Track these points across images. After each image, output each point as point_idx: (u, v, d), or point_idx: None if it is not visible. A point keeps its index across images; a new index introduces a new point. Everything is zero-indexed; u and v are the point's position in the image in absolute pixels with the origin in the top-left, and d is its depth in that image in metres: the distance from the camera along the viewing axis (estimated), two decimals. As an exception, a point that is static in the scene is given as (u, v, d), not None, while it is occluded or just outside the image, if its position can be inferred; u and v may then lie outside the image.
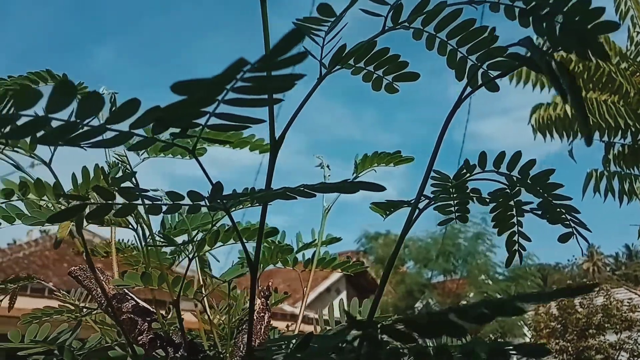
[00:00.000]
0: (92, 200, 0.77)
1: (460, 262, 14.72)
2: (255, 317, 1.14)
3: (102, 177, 0.81)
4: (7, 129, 0.58)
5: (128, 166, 0.88)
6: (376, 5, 0.80)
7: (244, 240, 0.79)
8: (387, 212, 0.98)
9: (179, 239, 1.09)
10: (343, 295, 15.51)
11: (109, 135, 0.64)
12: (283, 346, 0.94)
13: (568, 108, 5.69)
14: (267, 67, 0.53)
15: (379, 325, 0.59)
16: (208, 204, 0.76)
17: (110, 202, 0.72)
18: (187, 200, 0.75)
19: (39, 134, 0.59)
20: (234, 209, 0.82)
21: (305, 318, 1.38)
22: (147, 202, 0.75)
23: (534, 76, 5.94)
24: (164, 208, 0.76)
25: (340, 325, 1.14)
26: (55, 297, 1.25)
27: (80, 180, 0.82)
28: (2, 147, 0.73)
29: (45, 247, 13.74)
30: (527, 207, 0.97)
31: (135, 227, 0.95)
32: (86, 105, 0.56)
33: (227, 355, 1.03)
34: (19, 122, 0.56)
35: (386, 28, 0.80)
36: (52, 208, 0.85)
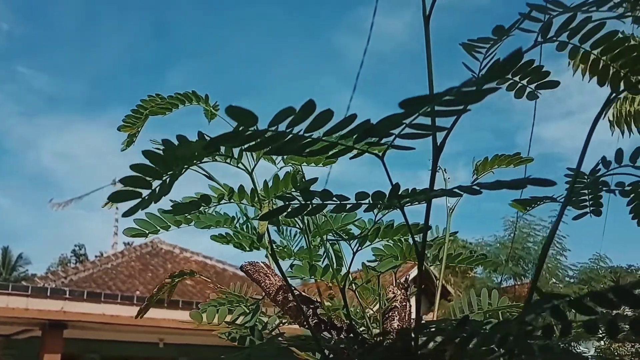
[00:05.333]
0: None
1: (530, 266, 14.40)
2: (398, 306, 1.26)
3: (290, 183, 0.95)
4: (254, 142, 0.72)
5: (302, 174, 1.02)
6: (529, 24, 0.91)
7: (413, 234, 0.91)
8: (528, 208, 1.08)
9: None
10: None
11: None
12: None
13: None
14: (493, 78, 0.66)
15: (566, 299, 0.70)
16: (385, 202, 0.89)
17: (308, 202, 0.86)
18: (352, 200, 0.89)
19: (252, 144, 0.74)
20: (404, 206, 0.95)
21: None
22: (334, 202, 0.88)
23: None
24: (349, 207, 0.89)
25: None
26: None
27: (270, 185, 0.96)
28: (227, 160, 0.88)
29: (130, 259, 14.49)
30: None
31: (302, 226, 1.09)
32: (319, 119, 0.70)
33: (380, 338, 1.16)
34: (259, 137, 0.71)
35: (537, 42, 0.91)
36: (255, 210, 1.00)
